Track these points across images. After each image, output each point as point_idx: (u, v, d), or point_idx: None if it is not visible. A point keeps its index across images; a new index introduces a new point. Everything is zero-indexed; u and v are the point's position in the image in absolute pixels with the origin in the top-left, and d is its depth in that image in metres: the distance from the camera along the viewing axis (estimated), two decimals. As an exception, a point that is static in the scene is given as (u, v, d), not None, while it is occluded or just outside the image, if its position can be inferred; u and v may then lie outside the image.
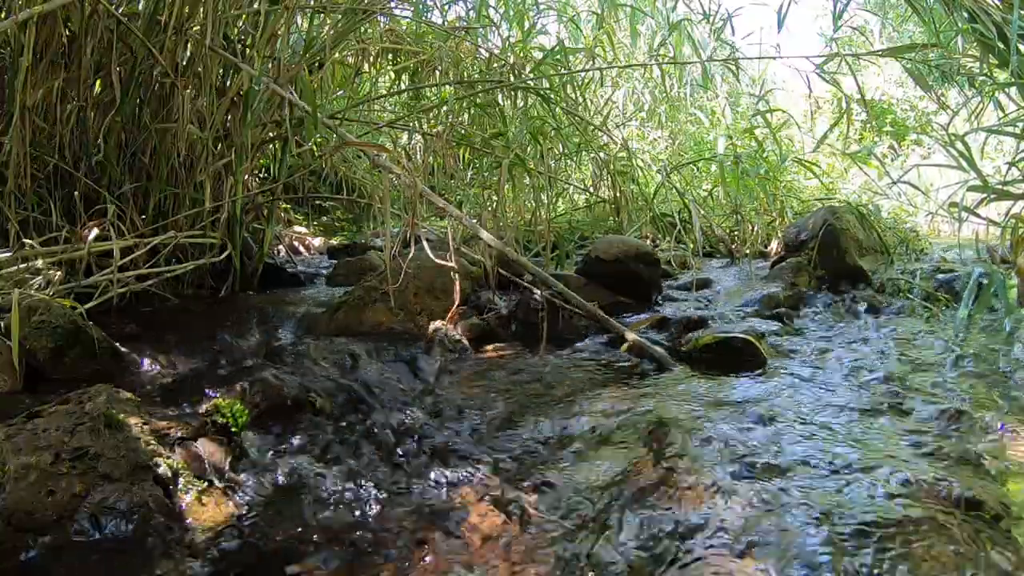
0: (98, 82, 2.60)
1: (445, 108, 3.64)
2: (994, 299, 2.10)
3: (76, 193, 2.56)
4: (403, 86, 3.91)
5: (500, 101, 3.67)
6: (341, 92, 3.86)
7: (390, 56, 3.82)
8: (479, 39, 3.90)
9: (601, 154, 4.15)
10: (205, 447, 1.43)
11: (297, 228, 4.73)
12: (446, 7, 3.99)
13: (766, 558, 1.08)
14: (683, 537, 1.16)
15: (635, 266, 2.86)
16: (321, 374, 1.90)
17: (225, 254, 2.80)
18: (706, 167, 4.81)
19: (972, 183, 2.31)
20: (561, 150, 4.02)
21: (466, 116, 3.79)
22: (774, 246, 3.91)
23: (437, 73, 3.69)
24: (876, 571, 1.04)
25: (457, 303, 2.48)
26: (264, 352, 2.16)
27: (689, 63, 4.37)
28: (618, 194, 4.09)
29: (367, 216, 5.14)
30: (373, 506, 1.34)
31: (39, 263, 2.17)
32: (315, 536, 1.23)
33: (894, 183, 4.29)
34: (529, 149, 3.64)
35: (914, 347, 2.27)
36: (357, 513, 1.31)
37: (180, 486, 1.31)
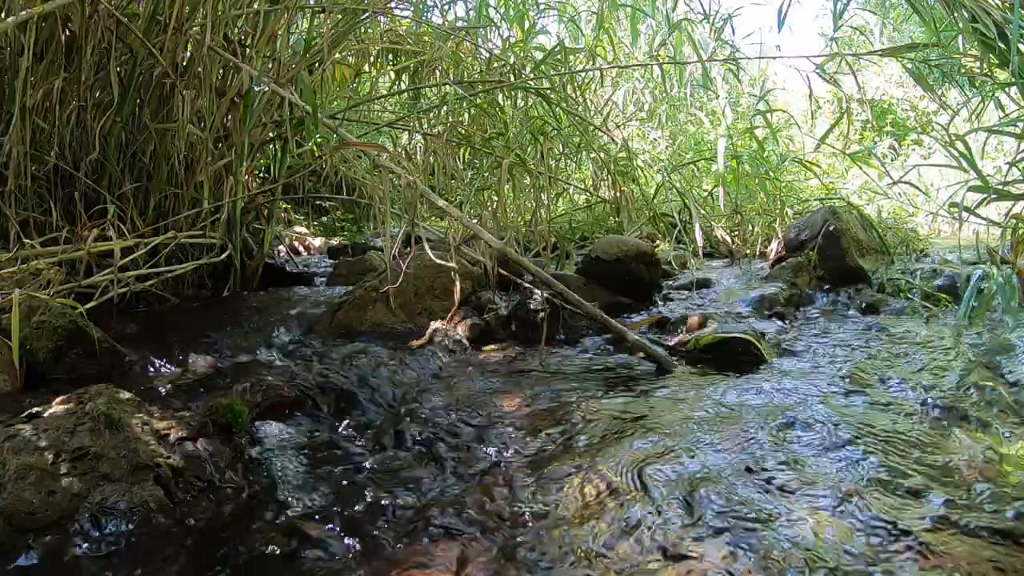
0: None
1: (445, 108, 3.64)
2: (995, 300, 2.09)
3: (76, 193, 2.56)
4: (403, 86, 3.90)
5: (500, 101, 3.67)
6: (339, 91, 3.86)
7: (390, 56, 3.81)
8: (479, 39, 3.89)
9: (601, 154, 4.15)
10: (205, 447, 1.43)
11: (297, 228, 4.73)
12: (446, 7, 3.99)
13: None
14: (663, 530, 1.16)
15: (635, 266, 2.86)
16: (321, 374, 1.90)
17: (225, 254, 2.80)
18: (706, 167, 4.81)
19: (972, 183, 2.31)
20: (561, 150, 4.02)
21: (466, 116, 3.79)
22: (774, 246, 3.90)
23: (437, 73, 3.69)
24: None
25: (457, 303, 2.48)
26: (264, 352, 2.16)
27: (689, 63, 4.36)
28: (618, 194, 4.09)
29: (367, 216, 5.13)
30: (374, 505, 1.33)
31: (39, 263, 2.16)
32: (316, 535, 1.23)
33: (894, 183, 4.29)
34: (529, 149, 3.63)
35: (914, 347, 2.26)
36: (358, 512, 1.31)
37: (180, 486, 1.31)
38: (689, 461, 1.41)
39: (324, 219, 5.33)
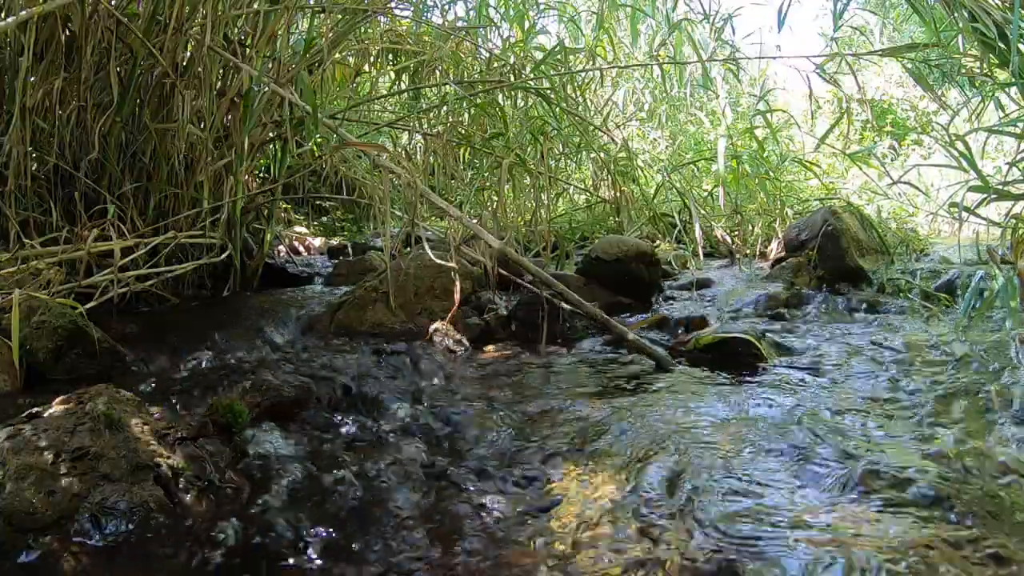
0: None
1: (445, 108, 3.64)
2: (997, 300, 2.09)
3: (76, 193, 2.56)
4: (403, 86, 3.90)
5: (500, 101, 3.67)
6: (339, 91, 3.86)
7: (390, 56, 3.81)
8: (479, 39, 3.89)
9: (601, 154, 4.15)
10: (205, 447, 1.43)
11: (297, 228, 4.73)
12: (446, 7, 3.99)
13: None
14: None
15: (635, 266, 2.86)
16: (321, 374, 1.90)
17: (225, 254, 2.80)
18: (706, 167, 4.81)
19: (972, 183, 2.31)
20: (561, 150, 4.02)
21: (466, 116, 3.79)
22: (774, 246, 3.91)
23: (437, 73, 3.69)
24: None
25: (457, 303, 2.48)
26: (264, 352, 2.16)
27: (689, 63, 4.36)
28: (618, 194, 4.09)
29: (367, 216, 5.13)
30: (373, 505, 1.33)
31: (39, 263, 2.17)
32: (316, 535, 1.23)
33: (894, 183, 4.29)
34: (529, 149, 3.63)
35: (914, 347, 2.26)
36: (357, 512, 1.31)
37: (180, 486, 1.31)
38: (688, 460, 1.41)
39: (324, 219, 5.32)
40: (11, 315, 1.70)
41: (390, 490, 1.40)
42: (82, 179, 2.56)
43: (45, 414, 1.37)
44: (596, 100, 4.89)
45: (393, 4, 3.74)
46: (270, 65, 2.73)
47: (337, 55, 3.46)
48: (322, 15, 3.13)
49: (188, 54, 2.72)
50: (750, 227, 4.26)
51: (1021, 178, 2.46)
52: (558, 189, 4.34)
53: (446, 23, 3.85)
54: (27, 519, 1.16)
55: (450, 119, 3.66)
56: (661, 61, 4.28)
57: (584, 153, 4.22)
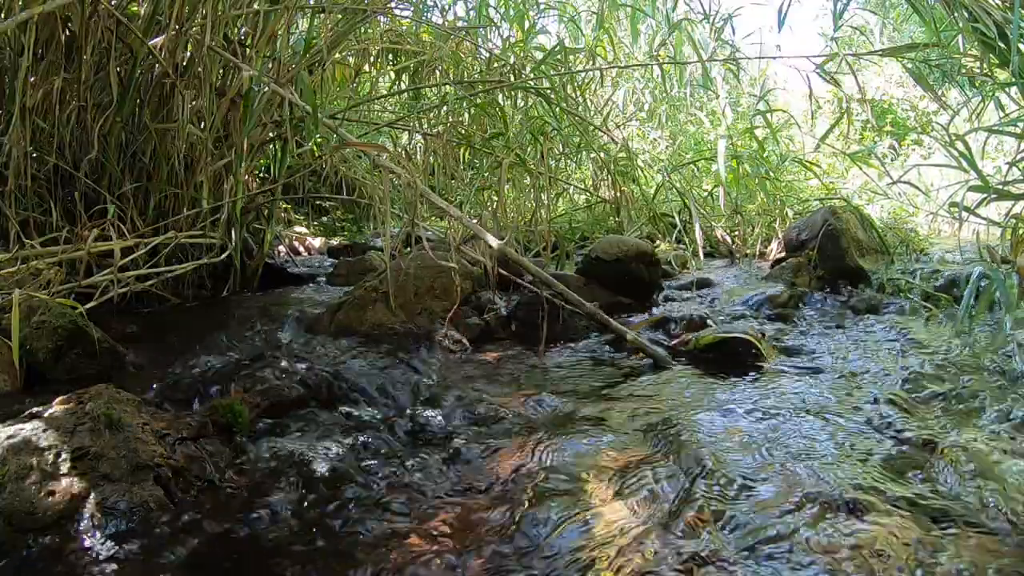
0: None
1: (445, 108, 3.64)
2: (996, 299, 2.09)
3: (76, 193, 2.56)
4: (403, 86, 3.91)
5: (500, 101, 3.67)
6: (339, 91, 3.86)
7: (390, 56, 3.82)
8: (479, 39, 3.90)
9: (601, 154, 4.15)
10: (205, 447, 1.43)
11: (297, 228, 4.73)
12: (446, 7, 4.00)
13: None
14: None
15: (635, 266, 2.86)
16: (321, 374, 1.90)
17: (225, 254, 2.80)
18: (706, 167, 4.81)
19: (972, 183, 2.31)
20: (561, 150, 4.02)
21: (466, 116, 3.79)
22: (774, 246, 3.91)
23: (437, 73, 3.69)
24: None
25: (457, 303, 2.48)
26: (264, 352, 2.16)
27: (689, 63, 4.36)
28: (618, 194, 4.09)
29: (367, 216, 5.14)
30: (374, 505, 1.33)
31: (39, 263, 2.17)
32: (316, 535, 1.23)
33: (894, 183, 4.29)
34: (529, 149, 3.64)
35: (914, 347, 2.26)
36: (358, 512, 1.31)
37: (180, 486, 1.31)
38: (688, 461, 1.41)
39: (324, 219, 5.33)
40: (11, 315, 1.70)
41: (391, 490, 1.40)
42: (82, 179, 2.56)
43: (45, 414, 1.37)
44: (596, 100, 4.89)
45: (393, 4, 3.74)
46: (270, 65, 2.73)
47: (337, 55, 3.46)
48: (322, 15, 3.13)
49: (188, 54, 2.72)
50: (750, 227, 4.27)
51: (1021, 178, 2.46)
52: (558, 189, 4.34)
53: (446, 23, 3.85)
54: (27, 519, 1.16)
55: (450, 119, 3.67)
56: (661, 61, 4.28)
57: (584, 153, 4.23)
